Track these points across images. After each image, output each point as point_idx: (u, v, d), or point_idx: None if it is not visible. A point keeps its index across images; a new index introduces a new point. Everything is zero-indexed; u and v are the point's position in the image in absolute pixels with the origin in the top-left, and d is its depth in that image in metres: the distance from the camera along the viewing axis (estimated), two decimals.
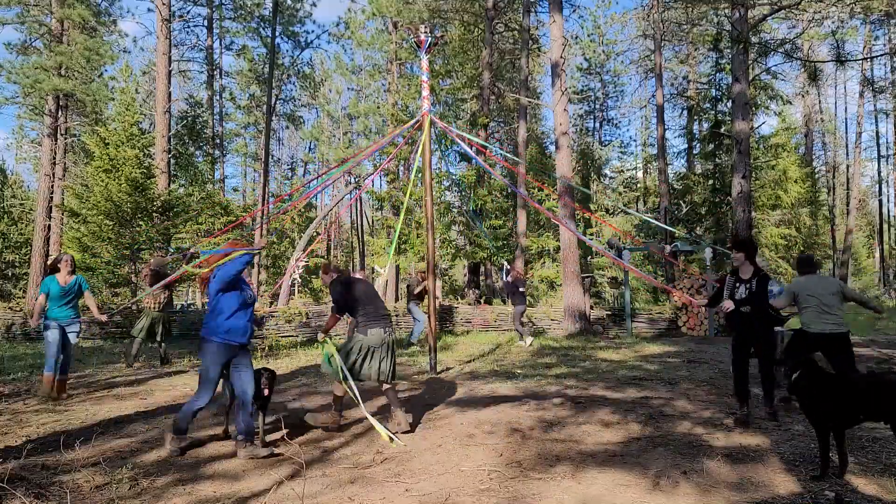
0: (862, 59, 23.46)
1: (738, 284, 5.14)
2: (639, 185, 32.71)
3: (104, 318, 7.07)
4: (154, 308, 8.96)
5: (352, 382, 4.87)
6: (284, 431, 4.93)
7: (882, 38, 26.89)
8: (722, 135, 20.90)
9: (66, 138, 22.44)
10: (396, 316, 14.61)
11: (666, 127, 25.44)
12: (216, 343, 4.32)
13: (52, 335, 6.47)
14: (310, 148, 39.33)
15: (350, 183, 24.33)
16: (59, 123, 21.37)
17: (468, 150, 12.32)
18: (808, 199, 27.77)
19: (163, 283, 8.38)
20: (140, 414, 5.90)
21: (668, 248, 15.46)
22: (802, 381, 3.87)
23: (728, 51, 18.24)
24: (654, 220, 15.08)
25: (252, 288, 4.66)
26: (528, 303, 12.63)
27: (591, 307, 14.36)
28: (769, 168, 24.65)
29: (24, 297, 22.33)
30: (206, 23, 27.13)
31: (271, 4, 24.20)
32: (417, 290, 11.04)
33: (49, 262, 6.76)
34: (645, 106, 34.70)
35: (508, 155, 13.17)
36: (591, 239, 26.01)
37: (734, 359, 5.25)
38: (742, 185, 13.75)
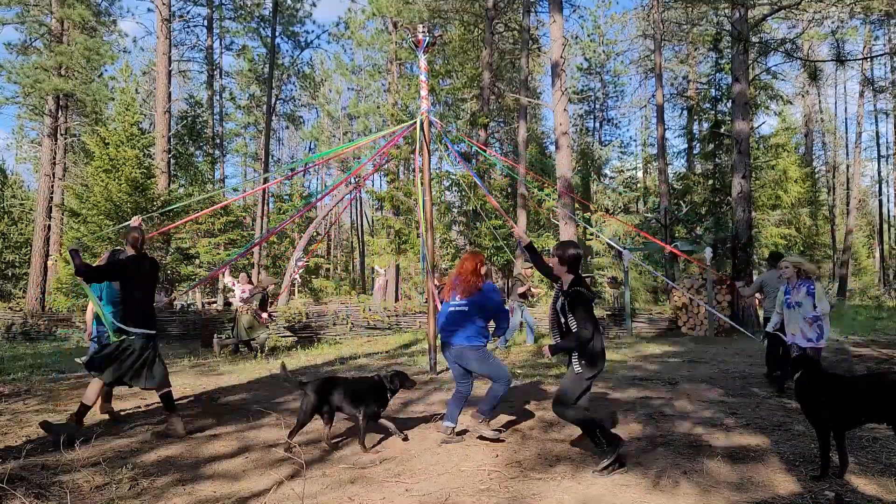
0: (862, 59, 23.42)
1: (559, 294, 4.14)
2: (639, 185, 32.70)
3: (169, 299, 6.57)
4: (245, 312, 10.47)
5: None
6: (284, 431, 4.93)
7: (882, 37, 26.87)
8: (722, 135, 20.88)
9: (66, 138, 22.43)
10: (397, 316, 14.60)
11: (666, 127, 25.43)
12: (485, 343, 4.72)
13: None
14: (310, 148, 39.34)
15: (350, 183, 24.32)
16: (59, 123, 21.36)
17: (461, 156, 12.32)
18: (808, 199, 27.75)
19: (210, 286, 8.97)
20: (140, 414, 5.90)
21: (668, 248, 15.44)
22: (803, 381, 3.86)
23: (728, 51, 18.23)
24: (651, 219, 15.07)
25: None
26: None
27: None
28: (769, 168, 24.63)
29: (24, 298, 22.33)
30: (206, 23, 27.12)
31: (271, 4, 24.21)
32: (522, 289, 10.85)
33: (106, 258, 5.66)
34: (645, 106, 34.69)
35: (502, 159, 13.22)
36: (591, 239, 26.00)
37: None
38: (742, 185, 13.74)
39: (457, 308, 4.67)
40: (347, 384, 4.70)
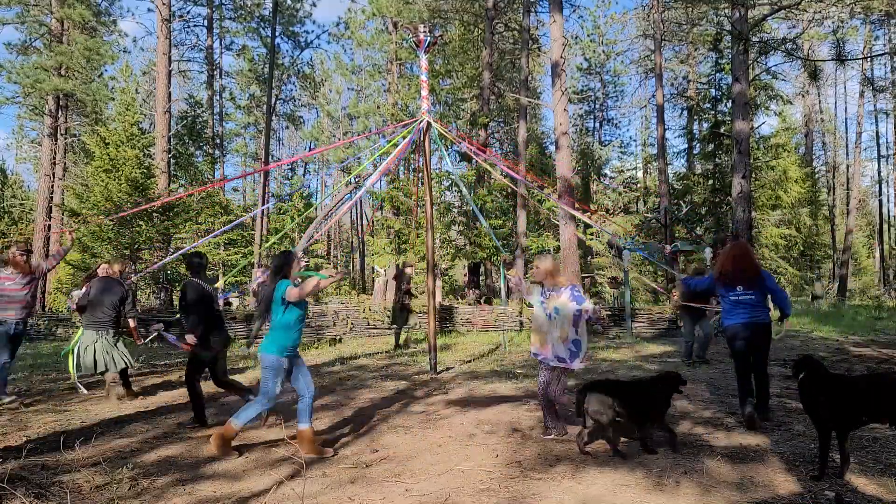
0: (862, 59, 23.45)
1: None
2: (639, 185, 32.72)
3: (341, 273, 6.08)
4: (396, 302, 11.06)
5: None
6: (285, 432, 4.93)
7: (882, 37, 26.90)
8: (722, 135, 20.90)
9: (66, 138, 22.45)
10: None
11: (666, 127, 25.45)
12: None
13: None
14: (310, 148, 39.36)
15: (350, 183, 24.32)
16: (59, 123, 21.37)
17: (469, 150, 12.33)
18: (808, 199, 27.78)
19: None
20: (140, 414, 5.90)
21: (668, 248, 15.46)
22: (805, 381, 3.86)
23: (728, 51, 18.25)
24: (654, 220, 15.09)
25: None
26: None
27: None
28: (769, 168, 24.67)
29: None
30: (206, 23, 27.15)
31: (271, 4, 24.22)
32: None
33: (275, 261, 4.58)
34: (645, 106, 34.72)
35: (502, 164, 13.28)
36: (591, 239, 26.00)
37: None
38: (742, 185, 13.74)
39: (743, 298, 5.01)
40: (630, 386, 4.47)
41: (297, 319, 4.38)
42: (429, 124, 7.94)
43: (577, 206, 16.39)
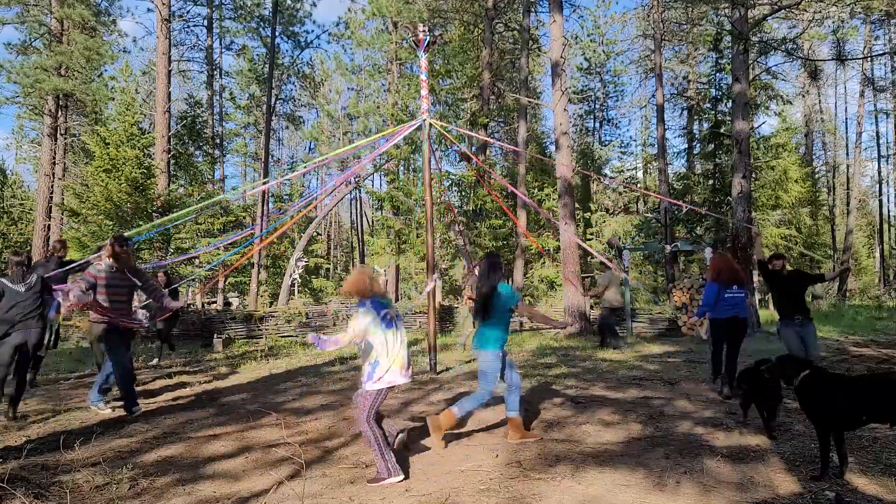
0: (862, 59, 23.44)
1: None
2: (639, 185, 32.69)
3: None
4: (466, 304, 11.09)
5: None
6: (285, 432, 4.93)
7: (882, 37, 26.88)
8: (722, 135, 20.88)
9: (66, 138, 22.44)
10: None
11: (666, 127, 25.42)
12: None
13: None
14: (310, 148, 39.33)
15: (350, 182, 24.32)
16: (59, 123, 21.36)
17: (467, 151, 12.32)
18: (808, 199, 27.75)
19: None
20: (140, 414, 5.90)
21: (668, 248, 15.46)
22: (805, 381, 3.86)
23: (728, 51, 18.24)
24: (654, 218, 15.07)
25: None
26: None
27: (591, 307, 14.35)
28: (769, 168, 24.64)
29: None
30: (206, 23, 27.11)
31: (271, 4, 24.21)
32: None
33: (488, 262, 4.73)
34: (645, 106, 34.70)
35: (507, 146, 13.28)
36: (592, 238, 25.99)
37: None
38: (742, 185, 13.72)
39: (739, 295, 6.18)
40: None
41: (510, 317, 4.77)
42: (430, 125, 7.94)
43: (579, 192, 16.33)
